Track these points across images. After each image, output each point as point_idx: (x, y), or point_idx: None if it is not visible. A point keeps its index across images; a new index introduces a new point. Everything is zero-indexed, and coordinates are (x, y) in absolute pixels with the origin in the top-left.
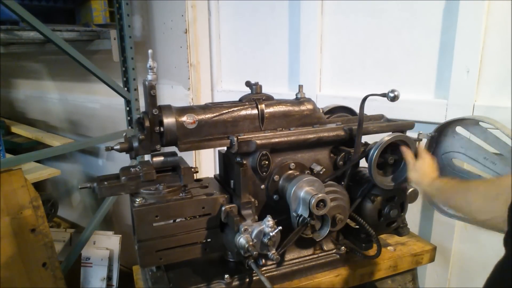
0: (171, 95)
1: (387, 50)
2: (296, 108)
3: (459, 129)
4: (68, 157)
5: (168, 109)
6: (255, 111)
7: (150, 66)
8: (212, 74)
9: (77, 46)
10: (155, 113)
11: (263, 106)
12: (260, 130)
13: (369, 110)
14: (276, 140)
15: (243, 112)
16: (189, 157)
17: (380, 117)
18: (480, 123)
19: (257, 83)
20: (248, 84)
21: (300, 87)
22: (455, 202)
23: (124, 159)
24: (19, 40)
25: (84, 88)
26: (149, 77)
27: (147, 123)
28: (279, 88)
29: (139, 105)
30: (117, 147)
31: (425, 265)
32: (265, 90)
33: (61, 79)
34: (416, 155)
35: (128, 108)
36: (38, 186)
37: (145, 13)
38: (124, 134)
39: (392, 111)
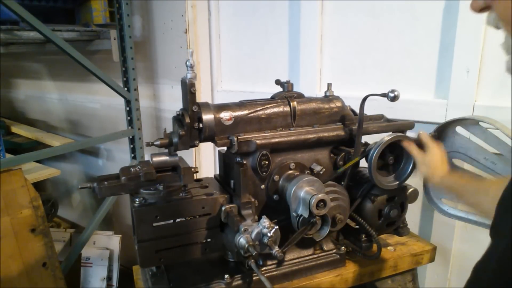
0: (171, 95)
1: (387, 50)
2: (326, 106)
3: (459, 129)
4: (68, 157)
5: (206, 106)
6: (287, 108)
7: (190, 64)
8: (212, 74)
9: (77, 46)
10: (195, 110)
11: (295, 103)
12: (292, 126)
13: (369, 110)
14: (276, 140)
15: (276, 109)
16: (189, 157)
17: (380, 117)
18: (480, 123)
19: (289, 81)
20: (278, 82)
21: (329, 85)
22: (467, 201)
23: (124, 159)
24: (19, 40)
25: (84, 88)
26: (189, 75)
27: (187, 120)
28: (279, 88)
29: (139, 105)
30: (158, 142)
31: (425, 265)
32: (265, 90)
33: (61, 79)
34: (421, 146)
35: (128, 108)
36: (38, 186)
37: (145, 13)
38: (163, 130)
39: (392, 111)
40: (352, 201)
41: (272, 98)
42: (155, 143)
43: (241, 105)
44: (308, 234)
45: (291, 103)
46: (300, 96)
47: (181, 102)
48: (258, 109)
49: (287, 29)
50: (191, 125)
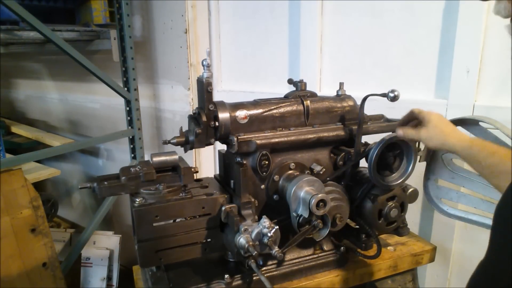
0: (171, 95)
1: (387, 50)
2: (339, 104)
3: (459, 129)
4: (68, 157)
5: (222, 104)
6: (300, 107)
7: (207, 63)
8: (212, 74)
9: (77, 46)
10: (211, 109)
11: (308, 102)
12: (305, 125)
13: (369, 110)
14: (276, 140)
15: (290, 108)
16: (189, 157)
17: (380, 117)
18: (480, 123)
19: (302, 80)
20: (291, 81)
21: (341, 84)
22: (482, 166)
23: (124, 159)
24: (19, 40)
25: (84, 88)
26: (205, 74)
27: (204, 118)
28: (279, 88)
29: (139, 105)
30: (174, 141)
31: (425, 265)
32: (265, 90)
33: (61, 79)
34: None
35: (128, 108)
36: (38, 186)
37: (145, 13)
38: (179, 128)
39: (392, 111)
40: (352, 201)
41: (286, 97)
42: (172, 141)
43: (255, 104)
44: (308, 234)
45: (304, 102)
46: (313, 95)
47: (181, 102)
48: (272, 107)
49: (287, 29)
50: (207, 124)
